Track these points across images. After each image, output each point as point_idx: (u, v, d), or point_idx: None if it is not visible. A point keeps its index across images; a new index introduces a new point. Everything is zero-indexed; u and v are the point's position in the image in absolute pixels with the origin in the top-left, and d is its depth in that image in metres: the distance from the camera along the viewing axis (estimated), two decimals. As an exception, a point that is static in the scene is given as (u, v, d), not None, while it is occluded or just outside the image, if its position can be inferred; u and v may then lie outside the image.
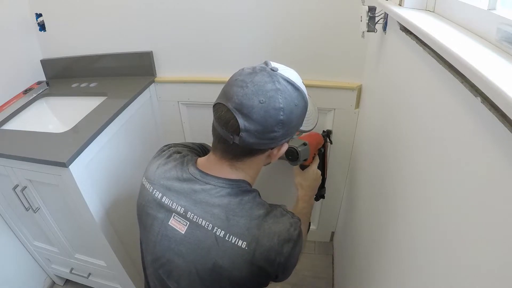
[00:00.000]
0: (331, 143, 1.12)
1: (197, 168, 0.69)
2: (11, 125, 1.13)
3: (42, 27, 1.29)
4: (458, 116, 0.41)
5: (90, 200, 0.95)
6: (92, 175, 0.96)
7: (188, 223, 0.65)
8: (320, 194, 1.06)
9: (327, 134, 1.09)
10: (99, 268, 1.23)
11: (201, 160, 0.71)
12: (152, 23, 1.19)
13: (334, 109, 1.18)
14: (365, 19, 0.78)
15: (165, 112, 1.37)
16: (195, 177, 0.67)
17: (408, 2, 0.65)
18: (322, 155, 1.03)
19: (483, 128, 0.35)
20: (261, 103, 0.57)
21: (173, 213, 0.67)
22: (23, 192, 1.00)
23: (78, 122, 1.03)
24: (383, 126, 0.80)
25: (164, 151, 0.79)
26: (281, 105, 0.58)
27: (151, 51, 1.26)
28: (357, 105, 1.15)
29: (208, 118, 1.34)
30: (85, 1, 1.20)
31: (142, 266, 0.82)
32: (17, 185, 0.99)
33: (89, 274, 1.28)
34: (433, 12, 0.63)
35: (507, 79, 0.30)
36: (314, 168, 0.93)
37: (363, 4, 0.80)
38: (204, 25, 1.16)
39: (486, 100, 0.33)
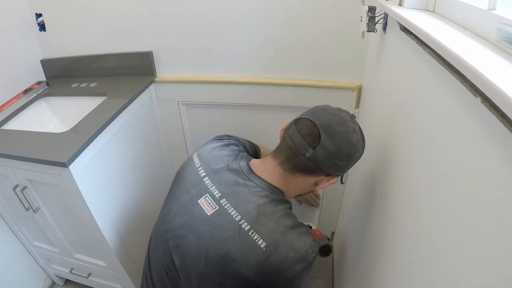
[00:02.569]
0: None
1: (248, 164, 0.73)
2: (11, 125, 1.13)
3: (42, 27, 1.29)
4: (458, 116, 0.41)
5: (90, 200, 0.95)
6: (92, 175, 0.96)
7: (218, 207, 0.68)
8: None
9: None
10: (99, 268, 1.22)
11: (255, 161, 0.76)
12: (152, 23, 1.19)
13: (334, 109, 1.18)
14: (365, 19, 0.78)
15: (165, 112, 1.37)
16: (242, 171, 0.72)
17: (408, 2, 0.65)
18: None
19: (483, 128, 0.35)
20: (343, 132, 0.66)
21: (207, 194, 0.70)
22: (23, 192, 0.99)
23: (78, 122, 1.03)
24: (383, 126, 0.80)
25: (223, 138, 0.85)
26: (354, 142, 0.67)
27: (151, 51, 1.26)
28: (357, 105, 1.15)
29: (208, 118, 1.36)
30: (85, 1, 1.20)
31: (150, 239, 0.82)
32: (17, 185, 0.99)
33: (89, 274, 1.28)
34: (433, 12, 0.63)
35: (507, 79, 0.30)
36: None
37: (363, 4, 0.80)
38: (204, 25, 1.16)
39: (486, 100, 0.33)
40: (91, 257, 1.22)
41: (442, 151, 0.45)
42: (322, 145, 0.65)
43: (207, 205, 0.69)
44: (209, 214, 0.68)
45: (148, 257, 0.81)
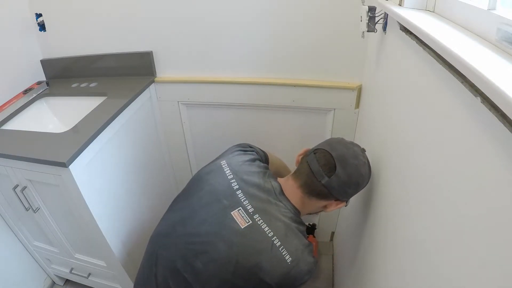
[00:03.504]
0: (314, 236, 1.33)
1: (279, 185, 0.81)
2: (11, 125, 1.13)
3: (42, 27, 1.29)
4: (458, 116, 0.41)
5: (90, 200, 0.95)
6: (92, 175, 0.96)
7: (251, 222, 0.74)
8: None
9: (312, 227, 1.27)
10: (99, 268, 1.22)
11: (281, 180, 0.84)
12: (152, 23, 1.19)
13: (334, 109, 1.18)
14: (365, 19, 0.78)
15: (165, 112, 1.37)
16: (274, 191, 0.79)
17: (408, 2, 0.65)
18: None
19: (483, 128, 0.35)
20: (355, 165, 0.76)
21: (240, 207, 0.76)
22: (23, 192, 0.99)
23: (78, 122, 1.02)
24: (383, 126, 0.80)
25: (247, 150, 0.91)
26: (363, 173, 0.77)
27: (151, 51, 1.26)
28: (357, 105, 1.15)
29: (208, 118, 1.36)
30: (85, 1, 1.20)
31: (155, 234, 0.84)
32: (17, 185, 0.99)
33: (89, 274, 1.28)
34: (433, 12, 0.63)
35: (507, 79, 0.30)
36: None
37: (363, 4, 0.80)
38: (204, 25, 1.16)
39: (486, 100, 0.33)
40: (91, 257, 1.22)
41: (442, 151, 0.45)
42: (337, 175, 0.75)
43: (240, 218, 0.74)
44: (242, 227, 0.73)
45: (156, 253, 0.80)
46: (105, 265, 1.19)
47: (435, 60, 0.47)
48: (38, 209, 1.06)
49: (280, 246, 0.72)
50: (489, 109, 0.32)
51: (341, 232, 1.39)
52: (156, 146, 1.40)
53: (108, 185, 1.06)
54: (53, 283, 1.47)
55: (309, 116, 1.24)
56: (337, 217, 1.48)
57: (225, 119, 1.34)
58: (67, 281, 1.48)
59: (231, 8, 1.10)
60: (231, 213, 0.75)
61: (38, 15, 1.27)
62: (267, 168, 0.87)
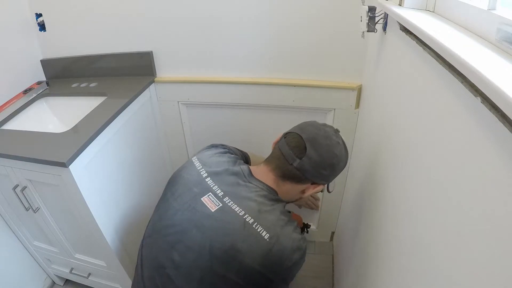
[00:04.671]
0: (307, 232, 1.28)
1: (248, 168, 0.80)
2: (11, 125, 1.13)
3: (42, 27, 1.29)
4: (458, 116, 0.41)
5: (90, 200, 0.95)
6: (92, 175, 0.96)
7: (221, 205, 0.73)
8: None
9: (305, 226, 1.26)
10: (99, 268, 1.22)
11: (251, 166, 0.83)
12: (152, 23, 1.19)
13: (334, 109, 1.18)
14: (365, 19, 0.78)
15: (165, 112, 1.37)
16: (243, 173, 0.78)
17: (408, 2, 0.65)
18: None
19: (483, 128, 0.35)
20: (327, 145, 0.75)
21: (210, 193, 0.75)
22: (23, 192, 0.99)
23: (78, 122, 1.02)
24: (383, 126, 0.80)
25: (218, 147, 0.91)
26: (337, 153, 0.76)
27: (151, 51, 1.26)
28: (357, 105, 1.15)
29: (208, 118, 1.36)
30: (85, 1, 1.20)
31: (144, 235, 0.85)
32: (17, 185, 0.99)
33: (89, 274, 1.28)
34: (433, 12, 0.63)
35: (507, 79, 0.30)
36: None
37: (363, 4, 0.80)
38: (205, 25, 1.16)
39: (486, 100, 0.33)
40: (91, 257, 1.22)
41: (442, 151, 0.45)
42: (308, 156, 0.74)
43: (210, 203, 0.73)
44: (213, 210, 0.72)
45: (141, 255, 0.81)
46: (105, 265, 1.19)
47: (435, 60, 0.47)
48: (38, 209, 1.06)
49: (253, 223, 0.69)
50: (489, 109, 0.32)
51: (341, 232, 1.39)
52: (156, 146, 1.40)
53: (108, 185, 1.06)
54: (53, 283, 1.47)
55: (309, 116, 1.24)
56: (337, 217, 1.48)
57: (225, 119, 1.34)
58: (67, 281, 1.48)
59: (231, 8, 1.10)
60: (201, 199, 0.74)
61: (38, 15, 1.27)
62: (238, 158, 0.87)
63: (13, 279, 1.27)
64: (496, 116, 0.31)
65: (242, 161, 0.86)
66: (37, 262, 1.38)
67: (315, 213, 1.49)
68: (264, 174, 0.79)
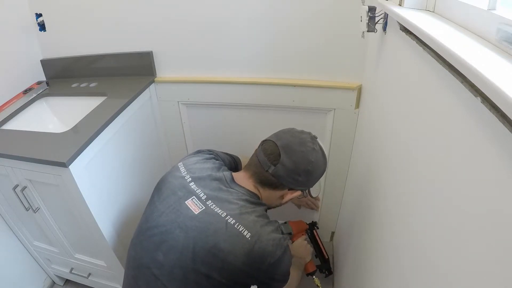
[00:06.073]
0: (317, 228, 1.30)
1: (230, 174, 0.83)
2: (11, 125, 1.13)
3: (42, 27, 1.29)
4: (458, 116, 0.41)
5: (90, 200, 0.95)
6: (92, 175, 0.96)
7: (204, 207, 0.75)
8: (325, 267, 1.25)
9: (313, 223, 1.28)
10: (99, 268, 1.23)
11: (234, 173, 0.86)
12: (152, 23, 1.19)
13: (334, 109, 1.18)
14: (365, 19, 0.78)
15: (165, 112, 1.37)
16: (225, 179, 0.81)
17: (408, 2, 0.65)
18: (314, 238, 1.27)
19: (483, 128, 0.35)
20: (301, 152, 0.78)
21: (193, 196, 0.77)
22: (23, 192, 0.99)
23: (78, 122, 1.02)
24: (383, 126, 0.80)
25: (204, 152, 0.94)
26: (312, 160, 0.79)
27: (151, 51, 1.26)
28: (357, 105, 1.15)
29: (208, 118, 1.36)
30: (85, 1, 1.20)
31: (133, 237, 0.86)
32: (17, 185, 0.99)
33: (89, 274, 1.28)
34: (433, 12, 0.63)
35: (507, 79, 0.30)
36: (299, 240, 1.12)
37: (363, 4, 0.80)
38: (205, 25, 1.16)
39: (486, 100, 0.33)
40: (91, 257, 1.22)
41: (442, 151, 0.45)
42: (282, 163, 0.78)
43: (194, 206, 0.76)
44: (196, 213, 0.75)
45: (128, 256, 0.83)
46: (105, 265, 1.19)
47: (435, 60, 0.47)
48: (38, 209, 1.06)
49: (235, 223, 0.72)
50: (489, 109, 0.32)
51: (341, 232, 1.39)
52: (156, 146, 1.40)
53: (108, 185, 1.06)
54: (53, 283, 1.47)
55: (309, 116, 1.24)
56: (337, 217, 1.48)
57: (225, 119, 1.34)
58: (67, 281, 1.48)
59: (231, 8, 1.10)
60: (185, 202, 0.77)
61: (38, 15, 1.27)
62: (222, 165, 0.90)
63: (13, 279, 1.27)
64: (496, 116, 0.31)
65: (226, 168, 0.89)
66: (37, 262, 1.38)
67: (315, 213, 1.49)
68: (244, 180, 0.83)
